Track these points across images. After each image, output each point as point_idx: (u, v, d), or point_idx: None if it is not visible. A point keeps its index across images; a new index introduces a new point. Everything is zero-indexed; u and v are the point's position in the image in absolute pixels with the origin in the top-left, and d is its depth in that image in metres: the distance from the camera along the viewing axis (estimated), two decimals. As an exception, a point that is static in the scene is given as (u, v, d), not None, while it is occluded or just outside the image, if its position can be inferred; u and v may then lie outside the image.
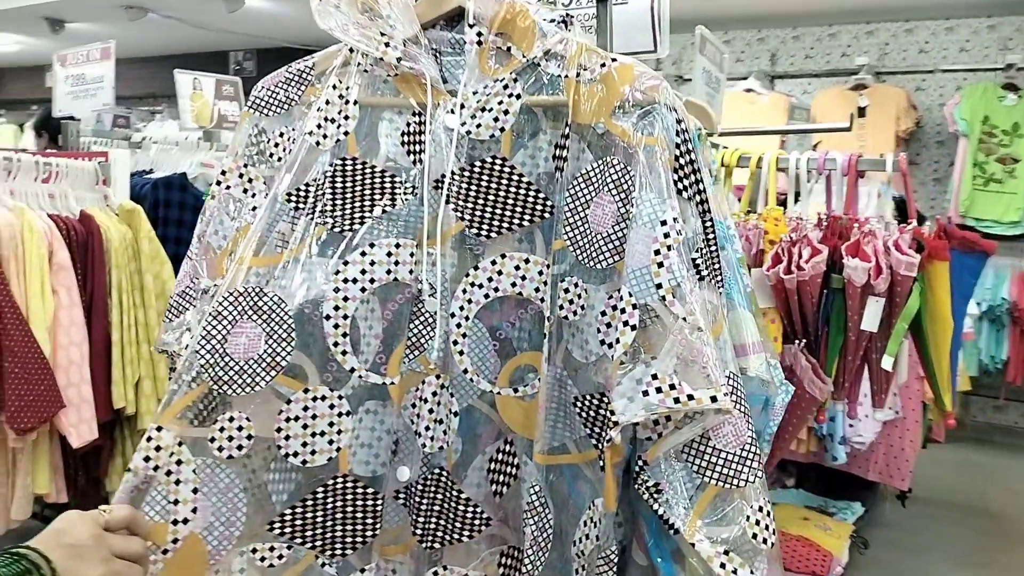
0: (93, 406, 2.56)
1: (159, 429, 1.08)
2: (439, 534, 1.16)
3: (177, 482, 1.08)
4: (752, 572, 0.99)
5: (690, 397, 0.96)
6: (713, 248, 1.08)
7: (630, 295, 1.00)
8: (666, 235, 1.00)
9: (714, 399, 0.95)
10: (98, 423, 2.55)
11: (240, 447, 1.12)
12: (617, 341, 1.00)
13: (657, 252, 1.00)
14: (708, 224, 1.07)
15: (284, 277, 1.15)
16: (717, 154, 1.94)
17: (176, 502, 1.08)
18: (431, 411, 1.15)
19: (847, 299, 1.68)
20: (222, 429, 1.11)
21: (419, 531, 1.16)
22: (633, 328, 0.99)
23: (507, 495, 1.16)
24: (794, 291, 1.68)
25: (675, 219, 1.00)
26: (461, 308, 1.16)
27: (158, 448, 1.07)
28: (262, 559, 1.13)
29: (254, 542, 1.13)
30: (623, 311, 1.00)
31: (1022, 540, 3.57)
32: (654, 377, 0.97)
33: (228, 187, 1.26)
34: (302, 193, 1.18)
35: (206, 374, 1.10)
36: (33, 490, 2.52)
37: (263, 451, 1.14)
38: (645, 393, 0.96)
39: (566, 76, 1.12)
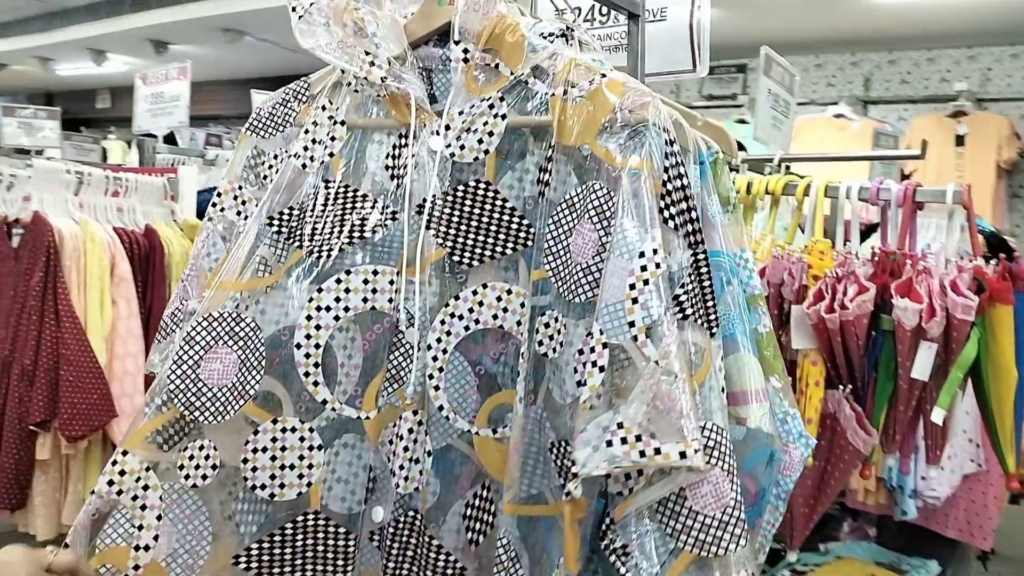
0: (144, 416, 2.61)
1: (124, 453, 1.05)
2: None
3: (143, 507, 1.05)
4: None
5: (657, 451, 0.85)
6: (706, 284, 0.98)
7: (601, 333, 0.91)
8: (643, 268, 0.90)
9: (683, 455, 0.85)
10: (150, 433, 2.60)
11: (205, 476, 1.09)
12: (584, 383, 0.91)
13: (632, 286, 0.90)
14: (700, 257, 0.97)
15: (264, 303, 1.13)
16: (760, 182, 1.82)
17: (140, 527, 1.05)
18: (406, 449, 1.09)
19: (897, 343, 1.53)
20: (191, 457, 1.08)
21: None
22: (601, 369, 0.90)
23: (484, 544, 1.08)
24: (837, 331, 1.54)
25: (655, 250, 0.91)
26: (438, 340, 1.10)
27: (122, 472, 1.05)
28: None
29: None
30: (592, 350, 0.91)
31: (1124, 612, 3.23)
32: (620, 426, 0.87)
33: (223, 209, 1.25)
34: (285, 217, 1.15)
35: (176, 400, 1.07)
36: (84, 496, 2.58)
37: (231, 480, 1.11)
38: (609, 443, 0.87)
39: (552, 94, 1.04)
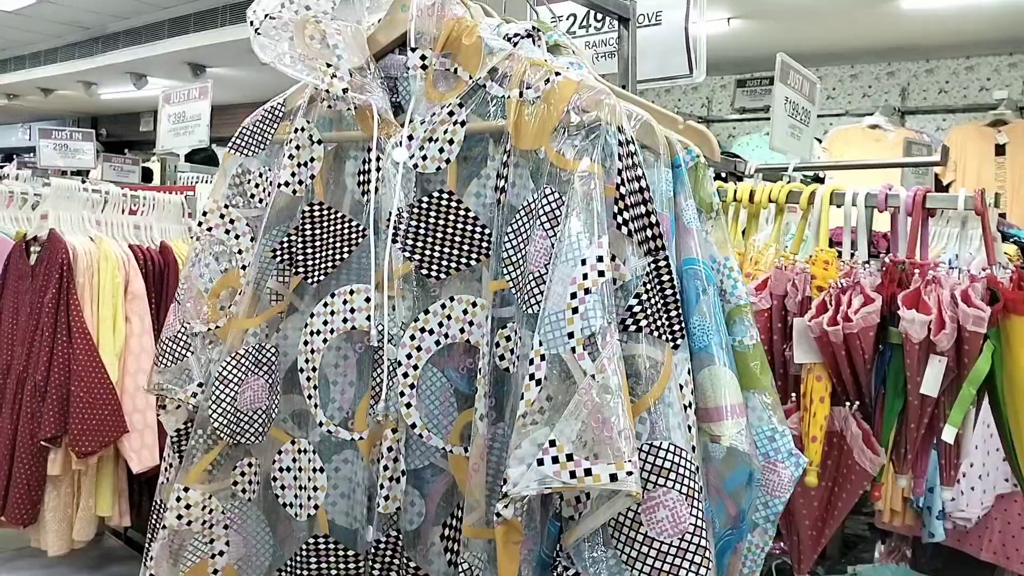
0: (157, 433, 2.61)
1: (187, 490, 1.15)
2: None
3: (211, 525, 1.17)
4: None
5: (588, 472, 0.80)
6: (668, 293, 0.92)
7: (540, 344, 0.86)
8: (584, 276, 0.85)
9: (614, 477, 0.79)
10: (163, 450, 2.59)
11: (255, 491, 1.18)
12: (522, 396, 0.86)
13: (574, 295, 0.85)
14: (662, 265, 0.92)
15: (285, 328, 1.19)
16: (763, 190, 1.75)
17: (212, 541, 1.17)
18: (386, 468, 1.08)
19: (905, 357, 1.44)
20: (242, 473, 1.18)
21: None
22: (538, 383, 0.85)
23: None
24: (841, 345, 1.46)
25: (599, 258, 0.86)
26: (408, 356, 1.07)
27: (188, 506, 1.15)
28: None
29: None
30: (531, 362, 0.86)
31: None
32: (552, 444, 0.82)
33: (210, 228, 1.26)
34: (285, 245, 1.17)
35: (223, 433, 1.15)
36: (96, 512, 2.59)
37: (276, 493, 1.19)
38: (540, 462, 0.82)
39: (508, 97, 1.00)
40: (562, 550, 0.86)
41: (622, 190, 0.91)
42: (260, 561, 1.18)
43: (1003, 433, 1.47)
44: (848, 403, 1.52)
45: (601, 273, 0.85)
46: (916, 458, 1.53)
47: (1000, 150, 4.71)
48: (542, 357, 0.85)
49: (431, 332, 1.06)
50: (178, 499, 1.14)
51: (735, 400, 0.98)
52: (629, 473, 0.79)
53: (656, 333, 0.89)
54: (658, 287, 0.91)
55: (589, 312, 0.84)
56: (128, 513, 2.67)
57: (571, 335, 0.84)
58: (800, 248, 1.71)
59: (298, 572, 1.14)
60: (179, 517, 1.14)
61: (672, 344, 0.91)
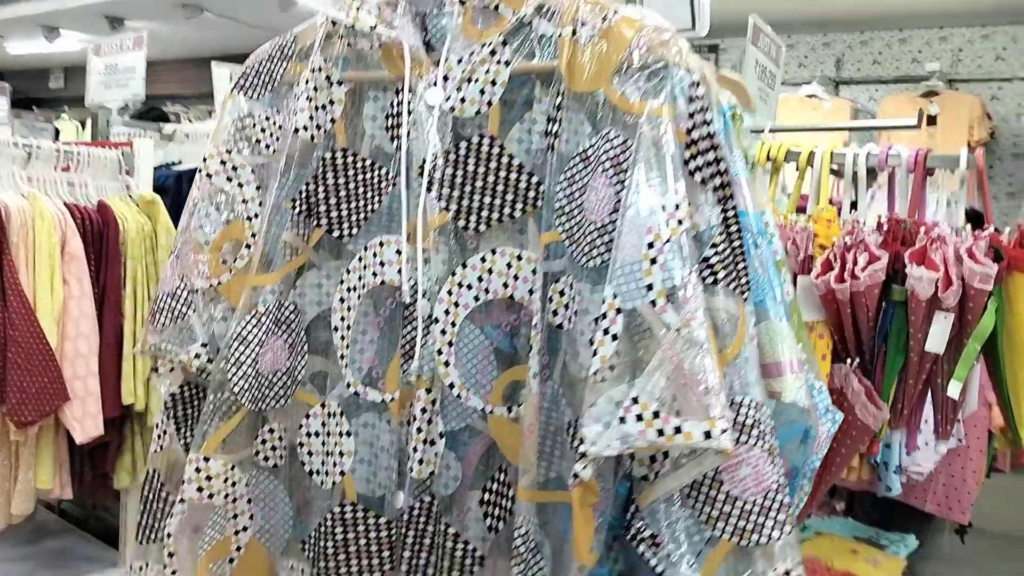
0: (100, 400, 2.46)
1: (207, 460, 1.07)
2: (429, 571, 1.02)
3: (234, 500, 1.10)
4: None
5: (677, 430, 0.76)
6: (737, 245, 0.88)
7: (615, 296, 0.81)
8: (663, 224, 0.80)
9: (708, 435, 0.75)
10: (106, 419, 2.45)
11: (281, 456, 1.11)
12: (595, 352, 0.81)
13: (651, 245, 0.80)
14: (731, 215, 0.87)
15: (302, 285, 1.10)
16: (762, 148, 1.73)
17: (235, 516, 1.11)
18: (419, 430, 1.00)
19: (909, 314, 1.45)
20: (264, 441, 1.10)
21: (404, 567, 1.02)
22: (614, 338, 0.80)
23: (504, 532, 1.00)
24: (847, 303, 1.46)
25: (677, 206, 0.81)
26: (446, 312, 1.00)
27: (209, 478, 1.07)
28: None
29: (292, 558, 1.11)
30: (604, 316, 0.81)
31: (1093, 581, 3.25)
32: (635, 401, 0.78)
33: (210, 175, 1.15)
34: (304, 195, 1.09)
35: (243, 398, 1.07)
36: (36, 485, 2.43)
37: (300, 460, 1.12)
38: (622, 420, 0.77)
39: (560, 35, 0.93)
40: (638, 511, 0.82)
41: (693, 135, 0.86)
42: (281, 533, 1.11)
43: (999, 389, 1.50)
44: (849, 360, 1.52)
45: (680, 222, 0.80)
46: (911, 414, 1.55)
47: (931, 120, 4.86)
48: (617, 311, 0.80)
49: (470, 287, 1.00)
50: (197, 470, 1.05)
51: (793, 355, 0.95)
52: (723, 431, 0.75)
53: (732, 286, 0.86)
54: (727, 238, 0.87)
55: (669, 263, 0.79)
56: (69, 485, 2.52)
57: (650, 287, 0.79)
58: (795, 207, 1.70)
59: (323, 543, 1.05)
60: (199, 490, 1.05)
61: (743, 297, 0.88)
